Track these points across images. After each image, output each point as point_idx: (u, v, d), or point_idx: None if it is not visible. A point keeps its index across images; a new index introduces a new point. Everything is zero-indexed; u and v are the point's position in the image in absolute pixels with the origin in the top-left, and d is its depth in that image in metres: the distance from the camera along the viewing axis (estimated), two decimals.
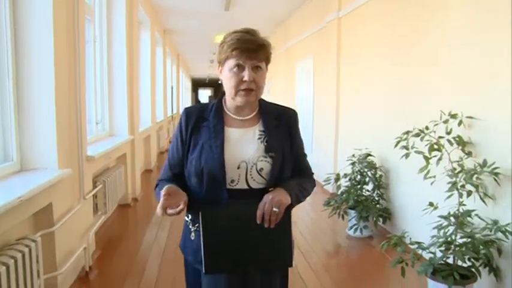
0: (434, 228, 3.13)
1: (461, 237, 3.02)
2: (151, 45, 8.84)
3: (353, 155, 5.06)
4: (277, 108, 1.80)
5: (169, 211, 1.51)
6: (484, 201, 3.06)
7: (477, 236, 2.95)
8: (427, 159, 3.31)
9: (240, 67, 1.61)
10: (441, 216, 3.14)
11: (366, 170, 4.87)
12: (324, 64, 7.25)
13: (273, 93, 11.26)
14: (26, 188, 2.61)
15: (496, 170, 2.97)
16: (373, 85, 5.34)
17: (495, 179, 2.98)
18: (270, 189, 1.63)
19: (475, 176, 3.03)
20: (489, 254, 2.88)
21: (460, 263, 2.97)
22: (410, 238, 3.23)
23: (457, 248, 2.96)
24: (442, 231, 3.07)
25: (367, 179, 4.87)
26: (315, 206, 5.57)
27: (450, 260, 3.03)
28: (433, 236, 3.10)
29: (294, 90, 9.49)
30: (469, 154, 3.29)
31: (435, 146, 3.33)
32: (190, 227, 1.72)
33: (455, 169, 3.20)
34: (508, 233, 2.83)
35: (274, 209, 1.55)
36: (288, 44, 9.92)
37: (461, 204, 3.11)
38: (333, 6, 6.58)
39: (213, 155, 1.62)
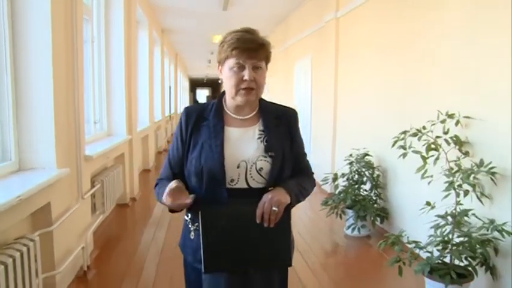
0: (431, 227, 3.14)
1: (458, 237, 3.03)
2: (149, 44, 8.84)
3: (351, 155, 5.08)
4: (277, 108, 1.80)
5: (178, 201, 1.52)
6: (480, 201, 3.07)
7: (474, 235, 2.96)
8: (424, 158, 3.32)
9: (240, 66, 1.61)
10: (438, 216, 3.16)
11: (363, 169, 4.88)
12: (322, 64, 7.26)
13: (271, 92, 11.26)
14: (24, 188, 2.61)
15: (493, 170, 2.99)
16: (371, 85, 5.36)
17: (492, 179, 3.00)
18: (269, 189, 1.63)
19: (472, 175, 3.04)
20: (486, 253, 2.90)
21: (457, 262, 2.99)
22: (407, 237, 3.25)
23: (454, 247, 2.97)
24: (439, 230, 3.08)
25: (364, 179, 4.89)
26: (313, 205, 5.58)
27: (447, 259, 3.04)
28: (430, 235, 3.11)
29: (292, 90, 9.50)
30: (466, 154, 3.30)
31: (432, 146, 3.34)
32: (190, 226, 1.72)
33: (452, 169, 3.21)
34: (504, 232, 2.84)
35: (274, 208, 1.55)
36: (286, 44, 9.93)
37: (458, 203, 3.12)
38: (331, 6, 6.59)
39: (213, 155, 1.62)
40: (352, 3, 5.83)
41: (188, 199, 1.54)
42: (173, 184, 1.54)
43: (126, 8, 5.97)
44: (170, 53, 14.68)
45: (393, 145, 3.60)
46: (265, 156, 1.66)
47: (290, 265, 1.69)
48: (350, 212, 4.73)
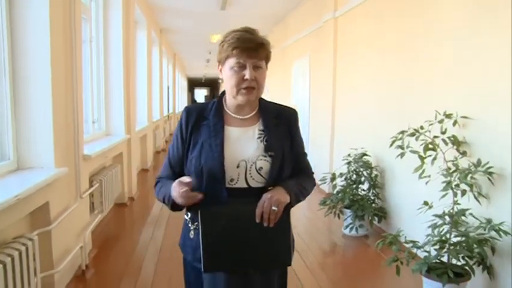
0: (429, 227, 3.15)
1: (456, 236, 3.04)
2: (148, 44, 8.84)
3: (349, 155, 5.09)
4: (277, 108, 1.80)
5: (191, 193, 1.54)
6: (478, 201, 3.09)
7: (471, 234, 2.97)
8: (422, 158, 3.33)
9: (241, 66, 1.61)
10: (436, 215, 3.17)
11: (361, 169, 4.89)
12: (320, 63, 7.27)
13: (270, 92, 11.27)
14: (22, 187, 2.62)
15: (490, 170, 3.00)
16: (369, 85, 5.37)
17: (489, 179, 3.01)
18: (269, 188, 1.64)
19: (470, 175, 3.05)
20: (483, 252, 2.91)
21: (454, 261, 3.00)
22: (405, 237, 3.25)
23: (452, 247, 2.99)
24: (437, 230, 3.09)
25: (362, 179, 4.90)
26: (311, 205, 5.58)
27: (444, 259, 3.05)
28: (427, 235, 3.12)
29: (290, 90, 9.51)
30: (464, 154, 3.31)
31: (430, 146, 3.35)
32: (190, 225, 1.72)
33: (449, 168, 3.22)
34: (501, 232, 2.86)
35: (273, 208, 1.55)
36: (284, 44, 9.93)
37: (455, 203, 3.13)
38: (329, 6, 6.60)
39: (213, 154, 1.62)
40: (350, 3, 5.84)
41: (200, 194, 1.55)
42: (187, 179, 1.55)
43: (124, 8, 5.97)
44: (168, 53, 14.68)
45: (391, 145, 3.62)
46: (265, 156, 1.66)
47: (289, 264, 1.69)
48: (348, 212, 4.75)
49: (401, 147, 3.53)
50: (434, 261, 3.01)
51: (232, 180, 1.64)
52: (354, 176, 4.94)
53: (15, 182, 2.85)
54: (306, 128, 7.94)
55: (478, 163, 3.08)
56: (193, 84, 37.00)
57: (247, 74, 1.60)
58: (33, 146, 3.15)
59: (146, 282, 3.61)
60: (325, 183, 4.98)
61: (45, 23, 3.08)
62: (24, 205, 2.69)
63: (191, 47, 15.74)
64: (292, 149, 1.75)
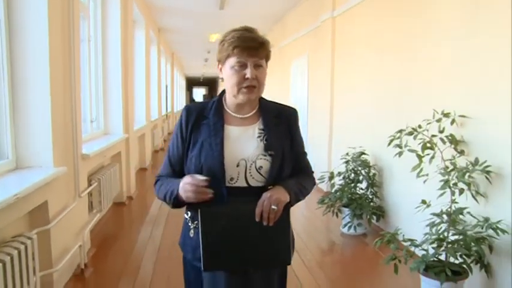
0: (427, 225, 3.16)
1: (453, 235, 3.05)
2: (146, 43, 8.84)
3: (347, 154, 5.10)
4: (277, 107, 1.80)
5: (204, 189, 1.55)
6: (475, 199, 3.10)
7: (469, 233, 2.98)
8: (420, 157, 3.34)
9: (242, 65, 1.61)
10: (434, 214, 3.18)
11: (359, 168, 4.90)
12: (318, 63, 7.28)
13: (269, 91, 11.28)
14: (21, 186, 2.62)
15: (488, 169, 3.01)
16: (367, 84, 5.38)
17: (487, 177, 3.02)
18: (269, 188, 1.64)
19: (467, 174, 3.06)
20: (480, 250, 2.92)
21: (452, 259, 3.02)
22: (403, 235, 3.27)
23: (449, 245, 3.00)
24: (435, 228, 3.10)
25: (360, 177, 4.91)
26: (310, 204, 5.59)
27: (442, 257, 3.06)
28: (425, 233, 3.14)
29: (288, 89, 9.52)
30: (462, 153, 3.32)
31: (428, 145, 3.36)
32: (190, 224, 1.71)
33: (447, 167, 3.24)
34: (499, 230, 2.87)
35: (273, 207, 1.55)
36: (282, 43, 9.94)
37: (453, 202, 3.14)
38: (327, 6, 6.61)
39: (213, 153, 1.62)
40: (349, 2, 5.85)
41: (210, 193, 1.56)
42: (201, 177, 1.56)
43: (122, 7, 5.97)
44: (167, 52, 14.67)
45: (389, 144, 3.63)
46: (265, 155, 1.66)
47: (289, 264, 1.69)
48: (346, 211, 4.76)
49: (399, 146, 3.54)
50: (432, 259, 3.02)
51: (232, 179, 1.64)
52: (352, 174, 4.95)
53: (14, 181, 2.85)
54: (304, 127, 7.94)
55: (476, 162, 3.09)
56: (191, 83, 36.99)
57: (248, 73, 1.60)
58: (31, 145, 3.15)
59: (145, 281, 3.62)
60: (323, 182, 4.99)
61: (43, 22, 3.08)
62: (23, 204, 2.70)
63: (189, 46, 15.73)
64: (292, 148, 1.75)
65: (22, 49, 3.07)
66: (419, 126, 3.44)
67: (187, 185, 1.56)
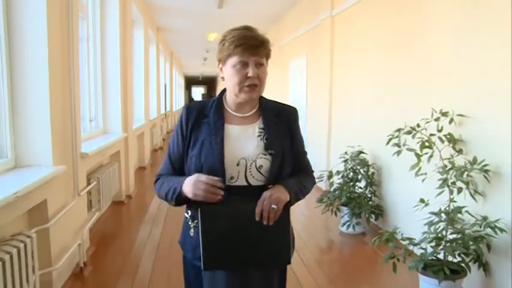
0: (425, 224, 3.17)
1: (452, 233, 3.06)
2: (145, 43, 8.84)
3: (346, 153, 5.10)
4: (277, 106, 1.81)
5: (217, 189, 1.55)
6: (474, 198, 3.10)
7: (467, 232, 2.99)
8: (418, 156, 3.35)
9: (244, 64, 1.61)
10: (432, 213, 3.19)
11: (358, 167, 4.91)
12: (317, 62, 7.28)
13: (267, 90, 11.27)
14: (21, 185, 2.62)
15: (486, 167, 3.02)
16: (366, 83, 5.38)
17: (485, 176, 3.03)
18: (269, 187, 1.64)
19: (466, 173, 3.07)
20: (479, 249, 2.93)
21: (450, 258, 3.02)
22: (401, 234, 3.28)
23: (448, 244, 3.01)
24: (433, 227, 3.11)
25: (359, 176, 4.91)
26: (308, 202, 5.59)
27: (441, 256, 3.07)
28: (424, 232, 3.15)
29: (287, 88, 9.52)
30: (460, 151, 3.33)
31: (426, 144, 3.37)
32: (190, 223, 1.71)
33: (446, 166, 3.24)
34: (497, 229, 2.88)
35: (273, 206, 1.56)
36: (281, 42, 9.94)
37: (451, 200, 3.15)
38: (326, 5, 6.61)
39: (213, 152, 1.62)
40: (347, 1, 5.86)
41: (220, 195, 1.55)
42: (215, 178, 1.56)
43: (121, 6, 5.97)
44: (165, 51, 14.66)
45: (387, 143, 3.63)
46: (265, 154, 1.66)
47: (289, 263, 1.69)
48: (345, 209, 4.76)
49: (397, 145, 3.55)
50: (430, 258, 3.03)
51: (232, 178, 1.64)
52: (351, 173, 4.96)
53: (13, 180, 2.85)
54: (303, 126, 7.84)
55: (474, 161, 3.10)
56: (190, 82, 36.99)
57: (250, 71, 1.60)
58: (31, 144, 3.16)
59: (144, 280, 3.62)
60: (322, 181, 4.99)
61: (42, 21, 3.08)
62: (23, 203, 2.70)
63: (188, 45, 15.73)
64: (292, 147, 1.75)
65: (21, 48, 3.07)
66: (418, 125, 3.45)
67: (200, 183, 1.55)
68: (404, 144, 3.51)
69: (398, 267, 3.10)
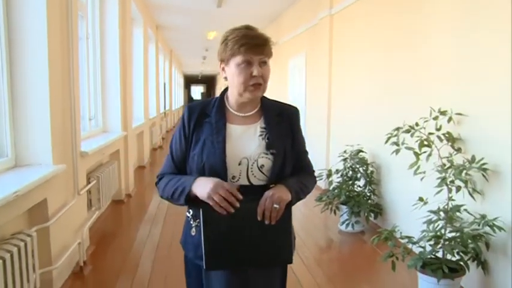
0: (424, 222, 3.18)
1: (450, 232, 3.07)
2: (144, 41, 8.84)
3: (345, 151, 5.11)
4: (278, 105, 1.81)
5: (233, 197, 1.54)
6: (472, 197, 3.12)
7: (466, 230, 3.00)
8: (417, 155, 3.36)
9: (248, 63, 1.61)
10: (431, 211, 3.20)
11: (357, 166, 4.92)
12: (316, 61, 7.28)
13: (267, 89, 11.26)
14: (21, 184, 2.63)
15: (484, 166, 3.03)
16: (365, 81, 5.39)
17: (483, 175, 3.04)
18: (270, 186, 1.64)
19: (464, 171, 3.08)
20: (477, 248, 2.94)
21: (449, 256, 3.03)
22: (400, 232, 3.28)
23: (446, 242, 3.02)
24: (432, 225, 3.12)
25: (358, 175, 4.92)
26: (308, 201, 5.56)
27: (439, 254, 3.09)
28: (423, 231, 3.15)
29: (286, 87, 9.52)
30: (458, 150, 3.34)
31: (425, 142, 3.38)
32: (191, 222, 1.71)
33: (444, 165, 3.25)
34: (495, 228, 2.89)
35: (275, 206, 1.56)
36: (280, 41, 9.93)
37: (450, 199, 3.16)
38: (325, 3, 6.62)
39: (215, 151, 1.63)
40: (346, 0, 5.86)
41: (233, 209, 1.54)
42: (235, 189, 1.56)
43: (120, 5, 5.97)
44: (165, 50, 14.66)
45: (386, 141, 3.64)
46: (267, 154, 1.67)
47: (290, 262, 1.69)
48: (344, 208, 4.77)
49: (396, 143, 3.56)
50: (429, 256, 3.04)
51: (234, 177, 1.65)
52: (350, 172, 4.97)
53: (13, 179, 2.86)
54: (302, 124, 7.90)
55: (473, 159, 3.11)
56: (189, 81, 37.00)
57: (255, 70, 1.60)
58: (31, 143, 3.16)
59: (143, 279, 3.63)
60: (321, 179, 4.98)
61: (42, 21, 3.09)
62: (23, 202, 2.71)
63: (187, 43, 15.72)
64: (293, 147, 1.75)
65: (21, 47, 3.07)
66: (417, 124, 3.46)
67: (221, 188, 1.54)
68: (403, 143, 3.51)
69: (397, 266, 3.11)
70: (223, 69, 1.70)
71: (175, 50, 18.32)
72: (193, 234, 1.70)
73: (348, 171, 4.99)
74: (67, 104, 3.60)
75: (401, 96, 4.45)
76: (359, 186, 4.94)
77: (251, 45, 1.60)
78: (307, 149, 1.89)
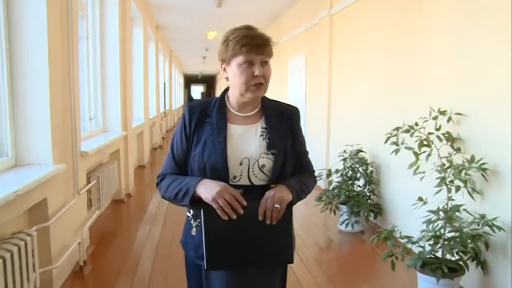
0: (423, 222, 3.18)
1: (450, 232, 3.08)
2: (144, 41, 8.84)
3: (344, 151, 5.12)
4: (279, 105, 1.81)
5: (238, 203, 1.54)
6: (472, 196, 3.12)
7: (465, 230, 3.01)
8: (416, 155, 3.36)
9: (249, 63, 1.61)
10: (430, 211, 3.20)
11: (357, 165, 4.93)
12: (316, 61, 7.29)
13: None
14: (21, 183, 2.63)
15: (484, 166, 3.03)
16: (365, 82, 5.39)
17: (483, 175, 3.04)
18: (271, 186, 1.65)
19: (464, 171, 3.08)
20: (477, 247, 2.94)
21: (448, 256, 3.03)
22: (400, 232, 3.29)
23: (446, 242, 3.02)
24: (431, 225, 3.12)
25: (358, 175, 4.93)
26: (307, 201, 5.55)
27: (439, 254, 3.09)
28: (422, 230, 3.16)
29: (286, 87, 9.53)
30: (458, 150, 3.34)
31: (424, 142, 3.38)
32: (192, 222, 1.71)
33: (444, 165, 3.26)
34: (495, 227, 2.89)
35: (276, 206, 1.56)
36: (280, 41, 9.93)
37: (449, 199, 3.17)
38: (324, 4, 6.62)
39: (216, 151, 1.63)
40: (346, 0, 5.86)
41: (235, 215, 1.55)
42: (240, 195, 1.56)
43: (120, 5, 5.97)
44: (165, 50, 14.66)
45: (386, 141, 3.65)
46: (268, 154, 1.67)
47: (292, 262, 1.70)
48: (344, 208, 4.77)
49: (396, 143, 3.56)
50: (428, 256, 3.04)
51: (235, 177, 1.65)
52: (350, 172, 4.98)
53: (13, 179, 2.86)
54: (302, 124, 7.91)
55: (472, 159, 3.11)
56: (189, 80, 36.99)
57: (256, 70, 1.60)
58: (31, 143, 3.17)
59: (143, 278, 3.63)
60: (321, 179, 4.99)
61: (42, 20, 3.09)
62: (23, 201, 2.71)
63: (187, 43, 15.72)
64: (294, 147, 1.76)
65: (21, 47, 3.08)
66: (416, 124, 3.46)
67: (227, 193, 1.54)
68: (402, 143, 3.52)
69: (397, 266, 3.11)
70: (224, 69, 1.70)
71: (175, 50, 18.32)
72: (193, 234, 1.70)
73: (348, 171, 4.99)
74: (67, 103, 3.60)
75: (401, 96, 4.45)
76: (359, 186, 4.94)
77: (252, 45, 1.60)
78: (307, 148, 1.89)
